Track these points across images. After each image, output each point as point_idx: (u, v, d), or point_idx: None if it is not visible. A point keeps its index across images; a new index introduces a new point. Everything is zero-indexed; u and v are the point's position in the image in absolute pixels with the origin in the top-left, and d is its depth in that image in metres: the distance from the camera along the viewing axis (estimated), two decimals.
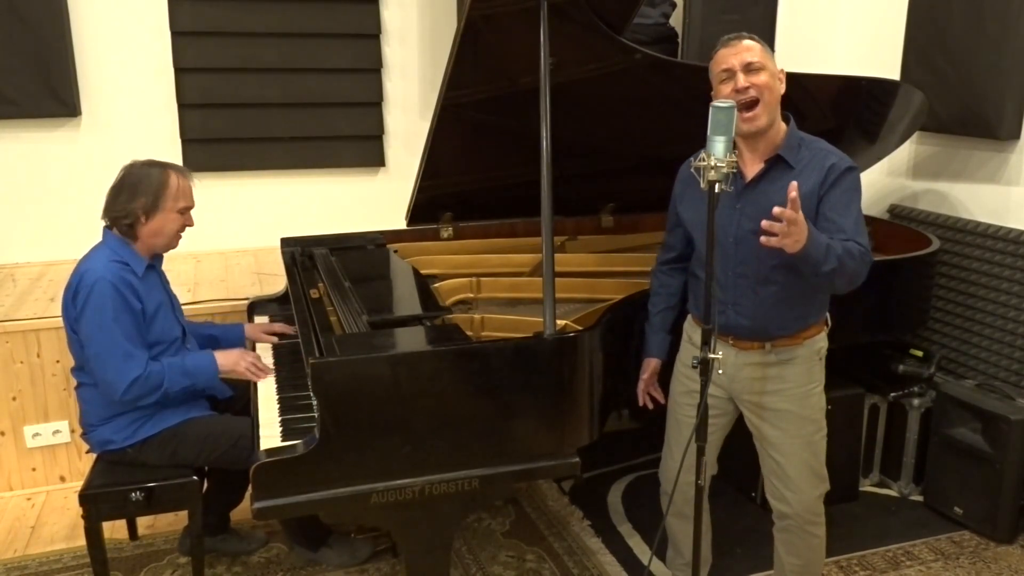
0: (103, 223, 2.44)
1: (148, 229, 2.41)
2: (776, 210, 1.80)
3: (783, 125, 2.11)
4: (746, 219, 2.08)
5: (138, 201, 2.37)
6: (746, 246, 2.09)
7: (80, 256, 2.43)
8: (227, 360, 2.50)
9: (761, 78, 2.01)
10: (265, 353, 2.71)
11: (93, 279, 2.31)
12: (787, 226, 1.80)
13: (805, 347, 2.17)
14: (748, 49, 2.03)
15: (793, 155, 2.07)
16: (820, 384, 2.22)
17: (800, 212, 1.82)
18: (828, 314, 2.24)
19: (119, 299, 2.32)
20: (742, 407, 2.27)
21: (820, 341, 2.21)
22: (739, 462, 2.84)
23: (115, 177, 2.43)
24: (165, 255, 2.59)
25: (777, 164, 2.08)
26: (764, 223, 1.82)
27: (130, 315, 2.35)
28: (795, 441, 2.20)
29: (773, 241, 1.83)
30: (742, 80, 2.01)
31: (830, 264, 1.92)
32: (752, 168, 2.10)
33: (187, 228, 2.51)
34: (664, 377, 2.41)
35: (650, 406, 2.40)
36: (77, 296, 2.32)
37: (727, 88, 2.03)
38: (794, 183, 1.83)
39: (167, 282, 2.63)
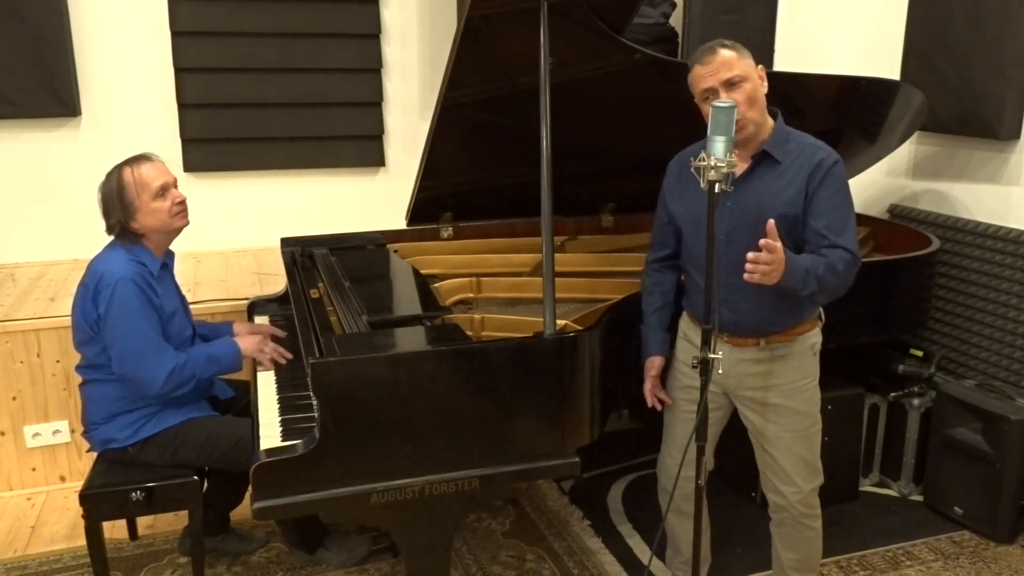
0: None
1: (142, 228, 2.41)
2: (762, 241, 1.86)
3: (770, 121, 2.12)
4: (736, 216, 2.09)
5: (115, 215, 2.38)
6: (737, 243, 2.08)
7: (81, 255, 2.44)
8: (249, 345, 2.53)
9: (743, 90, 2.02)
10: None
11: (114, 278, 2.31)
12: (767, 263, 1.89)
13: (799, 343, 2.19)
14: (724, 63, 2.01)
15: (780, 150, 2.08)
16: (814, 379, 2.25)
17: (780, 248, 1.89)
18: (822, 309, 2.25)
19: (142, 296, 2.34)
20: (737, 403, 2.28)
21: (814, 336, 2.23)
22: (738, 463, 2.84)
23: None
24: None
25: (764, 160, 2.09)
26: (750, 255, 1.89)
27: (154, 311, 2.37)
28: (790, 435, 2.22)
29: (755, 278, 1.91)
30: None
31: (808, 289, 2.00)
32: (740, 165, 2.10)
33: (183, 202, 2.46)
34: (661, 376, 2.40)
35: (659, 408, 2.38)
36: (99, 296, 2.32)
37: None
38: (771, 221, 1.89)
39: (176, 282, 2.64)
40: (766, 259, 1.87)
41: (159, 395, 2.36)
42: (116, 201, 2.37)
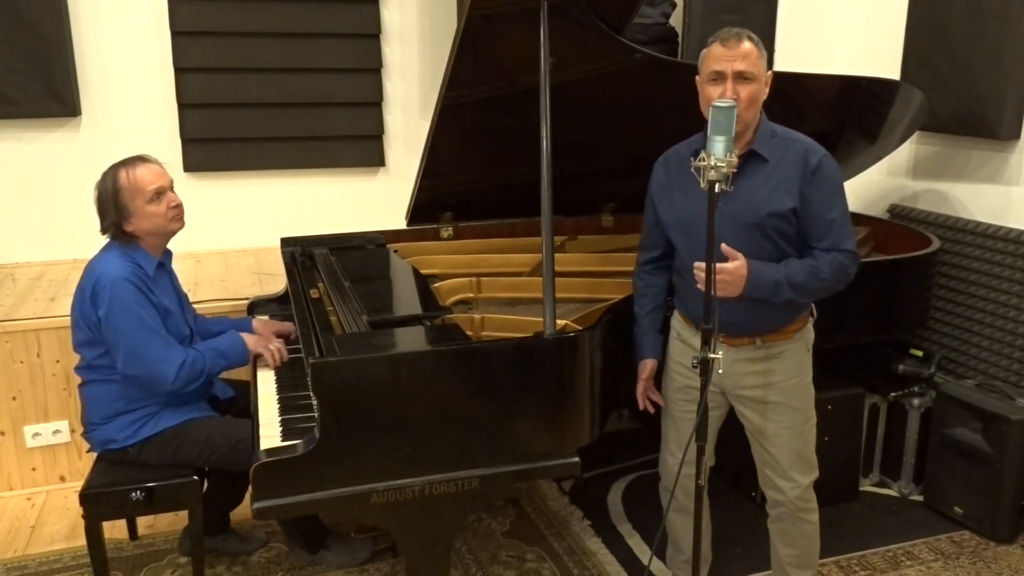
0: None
1: (137, 230, 2.41)
2: (724, 251, 1.94)
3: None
4: (726, 217, 2.07)
5: (109, 216, 2.38)
6: (728, 244, 2.07)
7: (81, 255, 2.43)
8: (254, 340, 2.55)
9: (750, 89, 2.01)
10: None
11: (111, 279, 2.31)
12: (729, 274, 1.96)
13: (794, 340, 2.20)
14: (744, 56, 2.00)
15: (767, 148, 2.08)
16: (809, 375, 2.26)
17: (741, 263, 1.97)
18: (813, 305, 2.26)
19: (140, 294, 2.34)
20: (735, 401, 2.29)
21: (808, 333, 2.25)
22: (738, 463, 2.84)
23: None
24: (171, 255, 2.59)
25: (751, 159, 2.08)
26: (696, 264, 1.97)
27: (153, 308, 2.37)
28: (787, 432, 2.23)
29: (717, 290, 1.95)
30: (730, 91, 1.99)
31: (781, 297, 2.06)
32: None
33: (179, 206, 2.45)
34: (655, 377, 2.40)
35: (651, 410, 2.39)
36: (97, 298, 2.32)
37: (715, 91, 2.02)
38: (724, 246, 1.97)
39: (177, 281, 2.63)
40: (730, 269, 1.96)
41: (171, 391, 2.36)
42: (111, 203, 2.37)
